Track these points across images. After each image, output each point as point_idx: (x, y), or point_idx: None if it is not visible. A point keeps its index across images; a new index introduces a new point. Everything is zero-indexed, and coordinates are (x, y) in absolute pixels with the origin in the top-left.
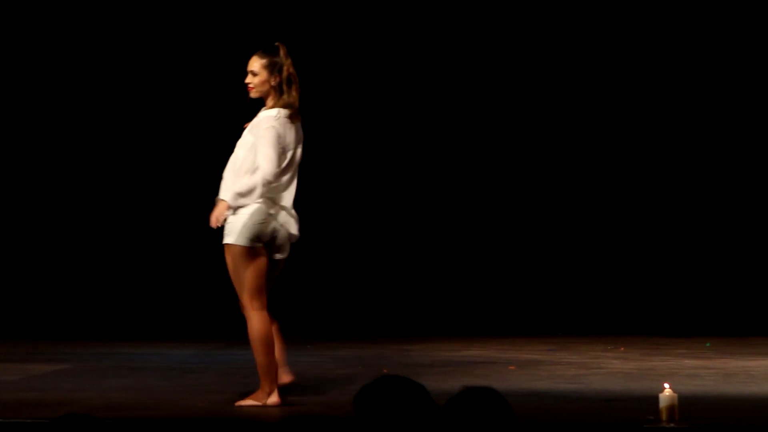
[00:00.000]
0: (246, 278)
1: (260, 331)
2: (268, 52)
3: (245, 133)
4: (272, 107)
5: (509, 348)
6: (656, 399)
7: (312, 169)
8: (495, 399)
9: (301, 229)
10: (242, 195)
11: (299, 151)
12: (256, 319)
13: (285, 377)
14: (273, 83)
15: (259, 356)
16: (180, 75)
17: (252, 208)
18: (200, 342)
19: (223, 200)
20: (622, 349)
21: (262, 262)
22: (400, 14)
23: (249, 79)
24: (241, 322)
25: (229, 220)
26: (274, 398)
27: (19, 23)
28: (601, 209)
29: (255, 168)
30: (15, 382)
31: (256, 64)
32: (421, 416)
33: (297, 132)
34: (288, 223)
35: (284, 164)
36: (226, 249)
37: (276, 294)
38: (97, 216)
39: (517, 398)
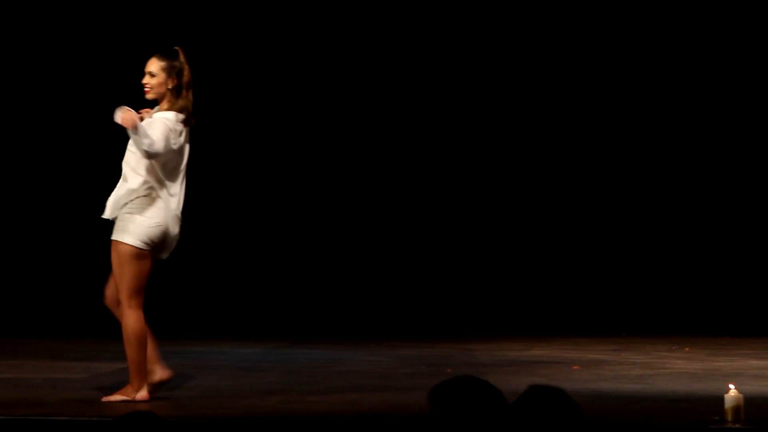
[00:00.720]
0: (130, 277)
1: (136, 329)
2: (166, 54)
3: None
4: (167, 110)
5: (573, 348)
6: (721, 399)
7: (360, 171)
8: (563, 399)
9: (359, 230)
10: (143, 135)
11: (186, 156)
12: (133, 317)
13: (163, 373)
14: (170, 86)
15: (133, 353)
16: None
17: (146, 210)
18: (265, 341)
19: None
20: (687, 349)
21: (147, 263)
22: (400, 14)
23: (146, 80)
24: (306, 320)
25: (121, 218)
26: (143, 393)
27: None
28: (669, 208)
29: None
30: (80, 380)
31: (154, 65)
32: (494, 416)
33: (186, 137)
34: (176, 227)
35: (174, 167)
36: (113, 244)
37: (340, 294)
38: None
39: (581, 398)
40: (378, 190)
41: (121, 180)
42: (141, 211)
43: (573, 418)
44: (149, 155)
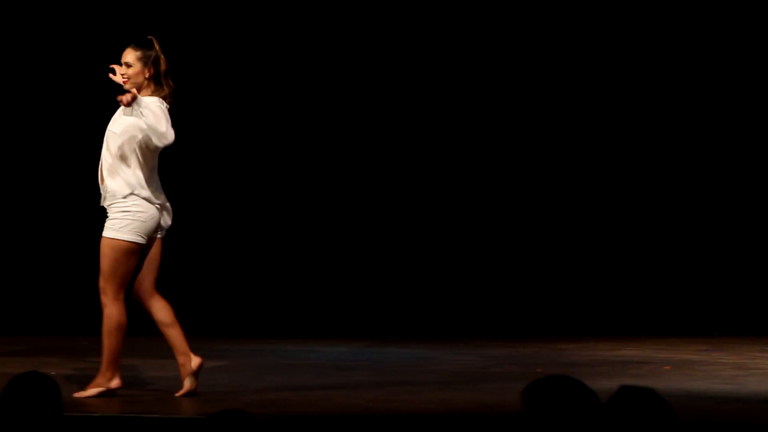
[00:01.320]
0: (119, 271)
1: (119, 320)
2: (141, 44)
3: (120, 114)
4: (151, 95)
5: (664, 348)
6: None
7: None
8: (655, 399)
9: (435, 231)
10: (148, 114)
11: None
12: (116, 308)
13: (196, 360)
14: (147, 75)
15: (113, 343)
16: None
17: (138, 206)
18: (356, 340)
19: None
20: None
21: (136, 258)
22: (399, 14)
23: (123, 70)
24: (394, 319)
25: (113, 216)
26: (116, 381)
27: None
28: (754, 208)
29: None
30: (172, 378)
31: (130, 56)
32: (587, 416)
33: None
34: (162, 211)
35: (154, 155)
36: (107, 240)
37: (431, 293)
38: (255, 214)
39: (672, 398)
40: (452, 189)
41: (104, 177)
42: (134, 206)
43: (665, 418)
44: (169, 143)
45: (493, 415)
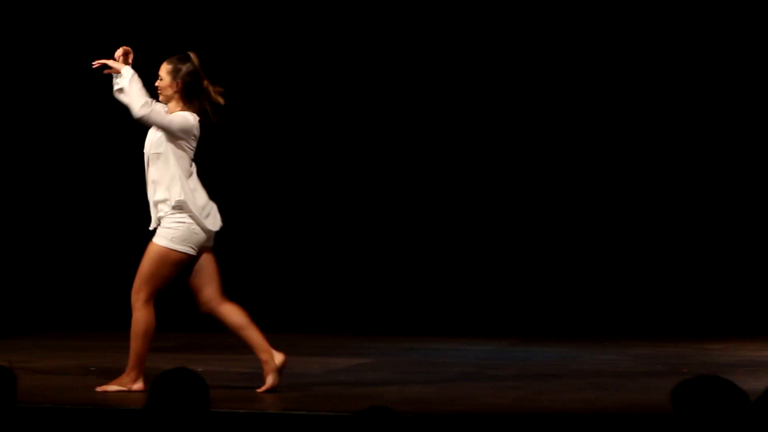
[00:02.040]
0: (159, 278)
1: (148, 324)
2: (176, 58)
3: (151, 134)
4: (181, 110)
5: None
6: None
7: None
8: None
9: (575, 230)
10: (130, 90)
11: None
12: (146, 312)
13: (279, 356)
14: (175, 89)
15: (140, 346)
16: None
17: (188, 216)
18: (499, 338)
19: (124, 67)
20: None
21: (178, 269)
22: (399, 13)
23: (157, 82)
24: (540, 318)
25: (164, 224)
26: (140, 384)
27: None
28: None
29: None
30: (317, 375)
31: (162, 68)
32: (738, 417)
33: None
34: (209, 218)
35: (190, 164)
36: (156, 246)
37: (575, 292)
38: (398, 213)
39: None
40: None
41: (149, 189)
42: (182, 217)
43: None
44: (143, 117)
45: (640, 414)
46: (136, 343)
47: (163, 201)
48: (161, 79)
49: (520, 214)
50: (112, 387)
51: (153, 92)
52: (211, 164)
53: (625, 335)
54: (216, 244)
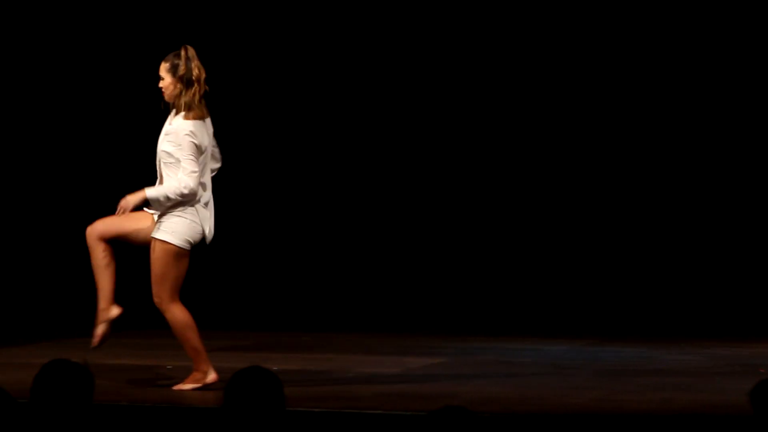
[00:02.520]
0: (172, 276)
1: (184, 319)
2: (173, 55)
3: (163, 137)
4: (182, 113)
5: None
6: None
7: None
8: None
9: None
10: (166, 199)
11: (210, 146)
12: (177, 309)
13: (116, 309)
14: (178, 86)
15: (189, 341)
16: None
17: (188, 210)
18: (574, 338)
19: (144, 191)
20: None
21: (187, 262)
22: (399, 13)
23: (160, 83)
24: (617, 319)
25: (163, 218)
26: (212, 376)
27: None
28: None
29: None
30: (394, 374)
31: (161, 69)
32: None
33: (207, 129)
34: (210, 220)
35: (202, 165)
36: (158, 243)
37: (652, 292)
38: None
39: None
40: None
41: (158, 181)
42: (185, 211)
43: None
44: (194, 191)
45: (718, 415)
46: (185, 340)
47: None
48: (162, 79)
49: (597, 213)
50: (187, 386)
51: (158, 95)
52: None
53: (702, 335)
54: (292, 239)
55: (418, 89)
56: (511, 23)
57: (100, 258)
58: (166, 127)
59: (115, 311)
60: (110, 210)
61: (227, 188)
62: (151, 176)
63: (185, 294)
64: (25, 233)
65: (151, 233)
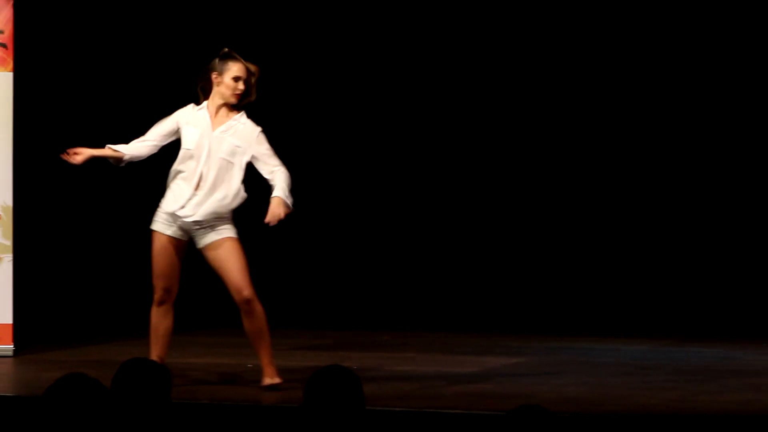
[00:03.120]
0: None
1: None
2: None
3: (228, 138)
4: (237, 111)
5: None
6: None
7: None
8: None
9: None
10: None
11: None
12: (260, 304)
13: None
14: (253, 89)
15: (268, 333)
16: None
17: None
18: (655, 339)
19: (278, 197)
20: None
21: None
22: (400, 13)
23: (241, 85)
24: (697, 319)
25: (214, 223)
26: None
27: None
28: None
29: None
30: (473, 374)
31: (244, 70)
32: None
33: None
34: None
35: None
36: (231, 241)
37: (733, 292)
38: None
39: None
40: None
41: (209, 186)
42: (230, 214)
43: None
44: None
45: None
46: (268, 332)
47: (223, 198)
48: (244, 80)
49: (680, 213)
50: (276, 380)
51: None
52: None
53: None
54: (373, 238)
55: (422, 90)
56: (512, 23)
57: None
58: (226, 126)
59: None
60: None
61: (312, 186)
62: None
63: (266, 292)
64: (106, 231)
65: (204, 246)
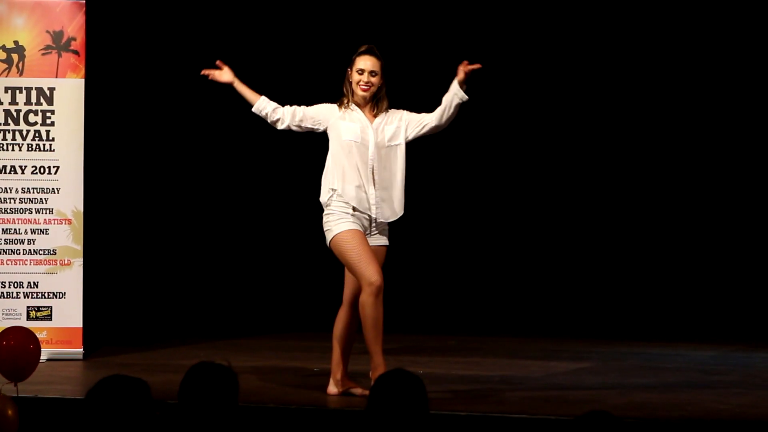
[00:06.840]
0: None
1: None
2: (379, 54)
3: (376, 132)
4: (380, 108)
5: None
6: None
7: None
8: None
9: None
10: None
11: None
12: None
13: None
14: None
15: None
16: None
17: None
18: (722, 344)
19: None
20: None
21: None
22: (402, 13)
23: (374, 79)
24: (765, 325)
25: (384, 228)
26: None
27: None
28: None
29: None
30: (538, 378)
31: (377, 65)
32: None
33: None
34: None
35: None
36: (385, 249)
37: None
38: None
39: None
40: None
41: (382, 185)
42: None
43: None
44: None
45: None
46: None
47: (401, 196)
48: (376, 75)
49: (744, 222)
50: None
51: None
52: None
53: None
54: (439, 244)
55: (426, 90)
56: (513, 24)
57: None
58: (375, 124)
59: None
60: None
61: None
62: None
63: (334, 300)
64: (174, 235)
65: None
